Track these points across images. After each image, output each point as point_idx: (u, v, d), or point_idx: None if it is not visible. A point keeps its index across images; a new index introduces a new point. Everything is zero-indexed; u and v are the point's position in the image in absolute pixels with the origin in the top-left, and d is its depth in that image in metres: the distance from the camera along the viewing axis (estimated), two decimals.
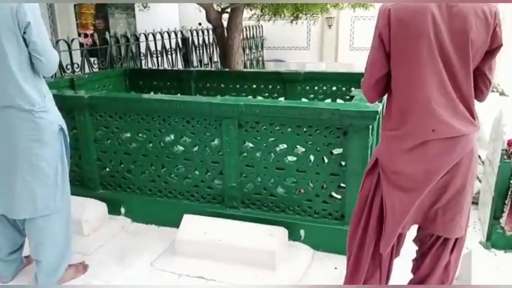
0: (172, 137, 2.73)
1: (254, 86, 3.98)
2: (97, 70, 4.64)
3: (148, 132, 2.76)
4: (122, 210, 2.94)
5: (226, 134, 2.54)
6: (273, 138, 2.48)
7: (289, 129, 2.43)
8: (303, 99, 3.82)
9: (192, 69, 4.28)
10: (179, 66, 6.48)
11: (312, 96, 3.80)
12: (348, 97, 3.64)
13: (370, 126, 2.24)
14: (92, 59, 4.64)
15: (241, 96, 4.01)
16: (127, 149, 2.86)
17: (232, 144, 2.54)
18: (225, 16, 6.57)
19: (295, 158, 2.47)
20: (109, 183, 2.99)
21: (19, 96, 1.95)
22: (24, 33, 1.91)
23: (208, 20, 6.48)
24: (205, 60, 7.40)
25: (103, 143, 2.90)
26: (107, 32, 4.76)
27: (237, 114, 2.46)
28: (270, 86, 3.93)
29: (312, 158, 2.44)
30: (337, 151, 2.39)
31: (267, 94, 3.96)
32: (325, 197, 2.47)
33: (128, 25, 5.20)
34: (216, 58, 7.52)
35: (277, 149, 2.50)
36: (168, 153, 2.75)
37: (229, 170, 2.60)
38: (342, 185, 2.42)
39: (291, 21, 6.61)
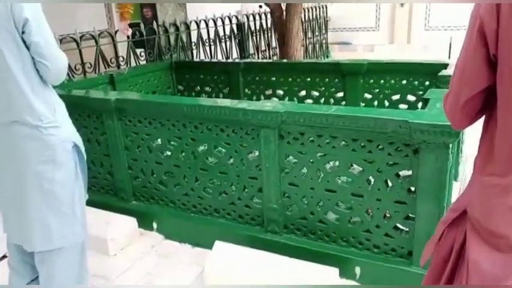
0: (206, 146, 2.35)
1: (309, 79, 3.48)
2: (144, 63, 4.40)
3: (179, 140, 2.40)
4: (155, 225, 2.64)
5: (264, 145, 2.10)
6: (322, 153, 2.00)
7: (343, 143, 1.93)
8: (366, 95, 3.27)
9: (239, 61, 3.85)
10: (234, 54, 6.10)
11: (377, 91, 3.22)
12: (421, 93, 3.04)
13: (450, 145, 1.68)
14: (139, 51, 4.40)
15: (293, 91, 3.54)
16: (158, 158, 2.53)
17: (272, 158, 2.10)
18: None
19: (350, 179, 1.98)
20: (142, 194, 2.70)
21: (25, 109, 1.65)
22: (22, 32, 1.60)
23: (266, 3, 6.01)
24: (263, 46, 6.95)
25: (134, 150, 2.60)
26: (154, 21, 4.46)
27: (277, 124, 2.01)
28: (327, 79, 3.40)
29: (372, 179, 1.93)
30: (405, 173, 1.86)
31: (323, 88, 3.44)
32: (388, 229, 1.95)
33: (178, 12, 4.86)
34: (274, 44, 7.04)
35: (327, 166, 2.02)
36: (202, 165, 2.38)
37: (268, 188, 2.17)
38: (410, 215, 1.89)
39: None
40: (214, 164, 2.34)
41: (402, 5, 8.93)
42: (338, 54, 9.21)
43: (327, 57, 9.29)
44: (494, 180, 1.03)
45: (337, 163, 1.99)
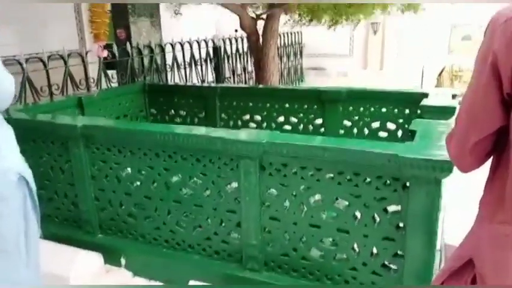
0: (180, 177, 2.19)
1: (287, 105, 3.40)
2: (116, 85, 4.22)
3: (151, 170, 2.23)
4: (123, 261, 2.43)
5: (244, 177, 1.96)
6: (306, 186, 1.88)
7: (328, 176, 1.82)
8: (345, 122, 3.20)
9: (215, 85, 3.75)
10: (210, 77, 6.00)
11: (356, 118, 3.16)
12: (401, 121, 3.00)
13: (442, 180, 1.59)
14: (111, 73, 4.22)
15: (272, 117, 3.44)
16: (127, 189, 2.34)
17: (252, 191, 1.96)
18: (261, 23, 6.05)
19: (335, 214, 1.86)
20: (109, 227, 2.49)
21: None
22: None
23: (242, 27, 5.97)
24: (239, 70, 6.89)
25: (101, 180, 2.41)
26: (128, 43, 4.32)
27: (259, 154, 1.88)
28: (306, 106, 3.32)
29: (358, 215, 1.82)
30: (393, 208, 1.75)
31: (301, 115, 3.35)
32: (375, 267, 1.83)
33: (153, 34, 4.74)
34: (250, 68, 6.99)
35: (311, 200, 1.89)
36: (175, 197, 2.21)
37: (248, 223, 2.02)
38: (399, 252, 1.78)
39: (329, 27, 5.99)
40: (188, 195, 2.18)
41: (375, 32, 9.14)
42: (312, 79, 9.29)
43: (302, 81, 9.34)
44: (507, 230, 0.92)
45: (321, 197, 1.87)
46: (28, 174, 1.62)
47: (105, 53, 3.83)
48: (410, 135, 2.04)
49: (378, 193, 1.74)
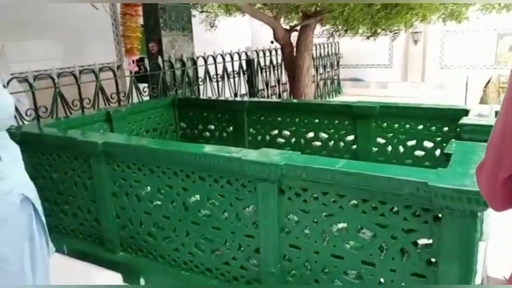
0: (198, 197, 2.11)
1: (317, 120, 3.26)
2: (147, 98, 4.24)
3: (169, 189, 2.17)
4: (142, 281, 2.37)
5: (262, 200, 1.85)
6: (328, 213, 1.74)
7: (351, 203, 1.68)
8: (379, 139, 3.03)
9: (243, 99, 3.67)
10: (243, 90, 5.95)
11: (390, 135, 2.98)
12: (439, 139, 2.79)
13: (479, 214, 1.41)
14: (142, 86, 4.25)
15: (300, 132, 3.32)
16: (147, 208, 2.29)
17: (270, 215, 1.85)
18: (295, 35, 5.96)
19: (359, 244, 1.71)
20: (130, 246, 2.45)
21: None
22: None
23: (276, 39, 5.90)
24: (273, 82, 6.81)
25: (122, 197, 2.37)
26: (159, 56, 4.34)
27: (277, 177, 1.77)
28: (337, 121, 3.17)
29: (385, 247, 1.66)
30: (424, 242, 1.59)
31: (332, 131, 3.21)
32: None
33: (185, 48, 4.74)
34: (284, 80, 6.90)
35: (334, 228, 1.75)
36: (193, 218, 2.14)
37: (266, 249, 1.90)
38: None
39: (368, 38, 5.80)
40: (207, 217, 2.09)
41: (416, 42, 8.81)
42: (349, 91, 9.06)
43: (339, 93, 9.14)
44: None
45: (345, 225, 1.73)
46: (33, 194, 1.59)
47: (135, 68, 3.85)
48: (445, 155, 1.86)
49: (406, 224, 1.58)
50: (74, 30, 5.72)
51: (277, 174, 1.76)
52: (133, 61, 4.16)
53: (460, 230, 1.45)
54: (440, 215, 1.50)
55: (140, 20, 4.29)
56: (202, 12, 5.90)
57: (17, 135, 2.65)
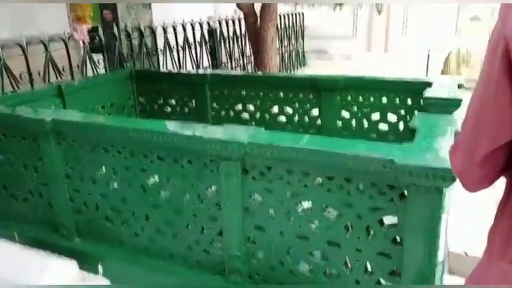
0: (157, 178, 1.99)
1: (282, 94, 3.17)
2: (103, 71, 4.00)
3: (126, 170, 2.04)
4: (100, 268, 2.26)
5: (225, 180, 1.76)
6: (292, 192, 1.68)
7: (317, 182, 1.62)
8: (343, 113, 2.98)
9: (205, 72, 3.50)
10: (206, 62, 5.76)
11: (355, 109, 2.93)
12: (402, 112, 2.77)
13: (444, 189, 1.39)
14: (97, 58, 3.99)
15: (265, 106, 3.22)
16: (103, 190, 2.16)
17: (233, 196, 1.77)
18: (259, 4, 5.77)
19: (325, 224, 1.66)
20: (86, 231, 2.32)
21: None
22: None
23: (239, 6, 5.70)
24: (237, 54, 6.63)
25: (75, 179, 2.22)
26: (115, 25, 4.07)
27: (240, 155, 1.68)
28: (301, 95, 3.09)
29: (350, 226, 1.62)
30: (390, 220, 1.56)
31: (297, 105, 3.13)
32: (370, 285, 1.64)
33: (143, 15, 4.48)
34: (248, 52, 6.72)
35: (299, 208, 1.70)
36: (153, 200, 2.03)
37: (230, 232, 1.83)
38: (395, 270, 1.58)
39: (334, 8, 5.70)
40: (167, 200, 1.99)
41: (379, 12, 8.78)
42: (314, 63, 9.00)
43: (304, 65, 9.06)
44: None
45: (310, 204, 1.67)
46: None
47: (86, 38, 3.57)
48: (410, 129, 1.83)
49: (372, 202, 1.54)
50: None
51: (240, 153, 1.67)
52: (87, 30, 3.87)
53: (426, 207, 1.42)
54: (405, 192, 1.46)
55: None
56: None
57: None
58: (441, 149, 1.48)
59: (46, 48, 3.47)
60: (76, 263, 2.23)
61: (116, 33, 4.04)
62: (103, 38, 3.91)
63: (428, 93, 2.31)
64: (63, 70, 3.61)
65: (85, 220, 2.29)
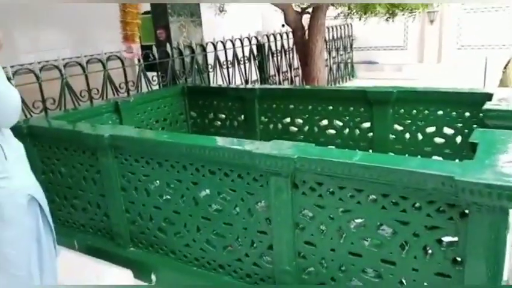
0: (208, 192, 2.03)
1: (331, 107, 3.14)
2: (156, 87, 4.16)
3: (179, 183, 2.10)
4: (153, 277, 2.32)
5: (275, 195, 1.76)
6: (344, 209, 1.65)
7: (370, 199, 1.58)
8: (396, 126, 2.90)
9: (253, 87, 3.55)
10: (254, 76, 5.83)
11: (408, 122, 2.84)
12: (460, 125, 2.66)
13: (510, 210, 1.30)
14: (151, 75, 4.16)
15: (314, 120, 3.20)
16: (156, 202, 2.23)
17: (283, 211, 1.76)
18: (306, 17, 5.79)
19: (378, 242, 1.61)
20: (140, 241, 2.39)
21: None
22: None
23: (287, 22, 5.74)
24: (284, 67, 6.66)
25: (131, 191, 2.31)
26: (168, 43, 4.24)
27: (290, 171, 1.68)
28: (352, 108, 3.04)
29: (406, 244, 1.56)
30: (448, 240, 1.48)
31: (347, 118, 3.08)
32: None
33: (194, 34, 4.63)
34: (296, 64, 6.74)
35: (351, 224, 1.66)
36: (204, 213, 2.06)
37: (280, 246, 1.82)
38: None
39: (387, 19, 5.59)
40: (217, 212, 2.01)
41: (431, 22, 8.52)
42: (364, 74, 8.86)
43: (353, 76, 8.94)
44: None
45: (363, 222, 1.63)
46: (40, 194, 1.53)
47: (135, 55, 3.71)
48: (470, 144, 1.74)
49: (429, 221, 1.47)
50: (85, 18, 5.63)
51: (290, 168, 1.66)
52: (135, 49, 4.04)
53: (489, 227, 1.34)
54: (466, 211, 1.39)
55: (141, 7, 4.16)
56: None
57: (25, 128, 2.60)
58: (506, 166, 1.39)
59: (104, 67, 3.66)
60: (131, 272, 2.30)
61: (169, 51, 4.20)
62: (156, 56, 4.07)
63: (488, 106, 2.20)
64: (120, 87, 3.79)
65: (139, 230, 2.36)
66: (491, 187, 1.27)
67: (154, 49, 4.07)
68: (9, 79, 2.99)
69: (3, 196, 1.40)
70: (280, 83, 6.57)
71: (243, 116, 3.58)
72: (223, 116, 3.71)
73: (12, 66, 3.11)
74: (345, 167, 1.55)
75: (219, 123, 3.74)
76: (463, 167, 1.41)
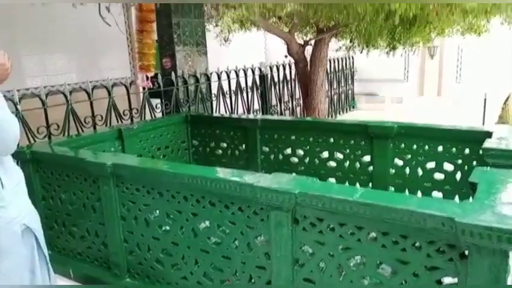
0: (208, 224, 2.02)
1: (332, 139, 3.16)
2: (160, 115, 4.20)
3: (179, 214, 2.09)
4: None
5: (275, 230, 1.76)
6: (345, 246, 1.64)
7: (370, 236, 1.58)
8: (396, 160, 2.92)
9: (255, 117, 3.58)
10: (256, 106, 5.89)
11: (409, 157, 2.86)
12: (459, 161, 2.67)
13: (510, 253, 1.30)
14: (155, 102, 4.21)
15: (314, 151, 3.22)
16: (155, 233, 2.22)
17: (283, 246, 1.75)
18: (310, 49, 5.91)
19: (378, 281, 1.60)
20: (137, 272, 2.37)
21: None
22: None
23: (290, 53, 5.86)
24: (286, 97, 6.75)
25: (130, 221, 2.30)
26: (173, 72, 4.31)
27: (291, 206, 1.68)
28: (352, 141, 3.07)
29: (406, 285, 1.54)
30: (449, 281, 1.47)
31: (348, 151, 3.10)
32: None
33: (199, 63, 4.71)
34: (298, 95, 6.83)
35: (351, 262, 1.65)
36: (203, 245, 2.05)
37: (279, 282, 1.80)
38: None
39: (387, 53, 5.71)
40: (216, 245, 2.00)
41: (432, 56, 8.67)
42: (364, 106, 8.95)
43: (353, 107, 9.03)
44: None
45: (363, 260, 1.62)
46: (36, 225, 1.53)
47: (149, 84, 3.79)
48: (470, 184, 1.75)
49: (429, 261, 1.46)
50: (91, 44, 5.74)
51: (291, 203, 1.67)
52: (147, 77, 4.12)
53: (489, 269, 1.33)
54: (466, 253, 1.39)
55: (155, 36, 4.27)
56: (216, 26, 5.89)
57: (28, 154, 2.62)
58: (506, 207, 1.40)
59: (109, 94, 3.71)
60: None
61: (174, 80, 4.26)
62: (161, 84, 4.13)
63: (488, 144, 2.22)
64: (123, 114, 3.83)
65: (136, 261, 2.34)
66: (491, 229, 1.27)
67: (159, 77, 4.14)
68: (16, 104, 3.03)
69: None
70: (281, 113, 6.64)
71: (244, 146, 3.61)
72: (225, 145, 3.73)
73: (18, 90, 3.16)
74: (346, 204, 1.55)
75: (221, 152, 3.76)
76: (462, 208, 1.41)
